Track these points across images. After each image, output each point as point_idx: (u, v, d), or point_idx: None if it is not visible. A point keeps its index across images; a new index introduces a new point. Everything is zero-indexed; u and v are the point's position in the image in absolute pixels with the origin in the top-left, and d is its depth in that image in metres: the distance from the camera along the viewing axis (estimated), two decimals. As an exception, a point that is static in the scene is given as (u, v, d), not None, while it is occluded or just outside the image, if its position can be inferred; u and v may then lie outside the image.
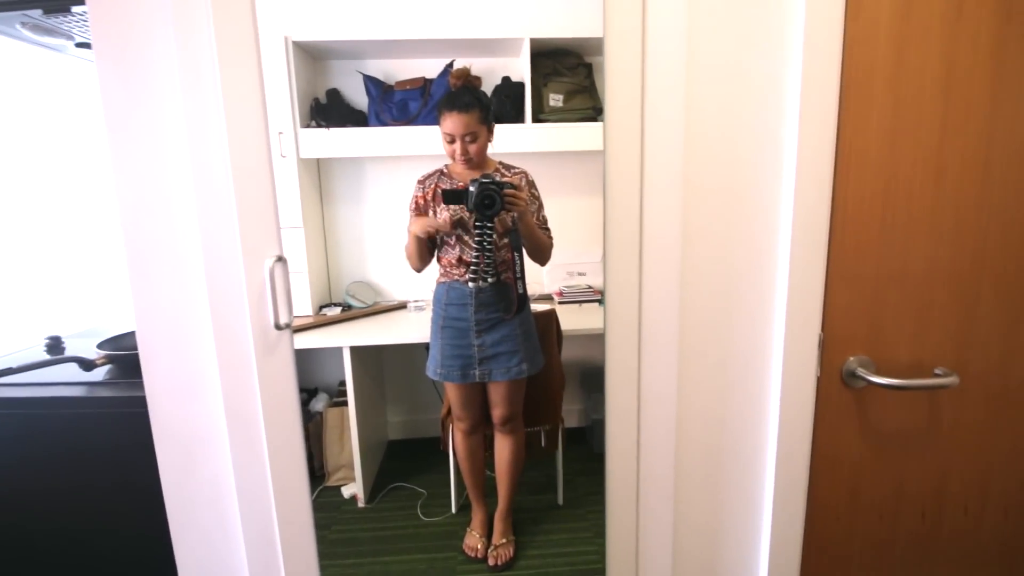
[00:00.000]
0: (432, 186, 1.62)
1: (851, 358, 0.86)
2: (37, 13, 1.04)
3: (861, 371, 0.84)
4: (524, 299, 1.63)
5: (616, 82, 0.78)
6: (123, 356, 1.11)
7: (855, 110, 0.81)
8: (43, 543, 1.05)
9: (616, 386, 0.85)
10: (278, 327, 0.79)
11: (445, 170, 1.64)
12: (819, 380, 0.85)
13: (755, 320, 0.85)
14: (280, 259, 0.79)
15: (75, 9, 1.03)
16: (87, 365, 1.11)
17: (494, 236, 1.52)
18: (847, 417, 0.89)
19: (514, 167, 1.65)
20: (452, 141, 1.54)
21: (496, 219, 1.49)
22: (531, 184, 1.64)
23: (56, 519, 1.04)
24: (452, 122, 1.52)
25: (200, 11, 0.72)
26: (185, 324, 0.81)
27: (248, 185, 0.77)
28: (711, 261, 0.83)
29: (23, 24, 1.11)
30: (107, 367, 1.12)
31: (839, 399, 0.88)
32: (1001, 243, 0.85)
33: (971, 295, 0.86)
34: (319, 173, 2.35)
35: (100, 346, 1.15)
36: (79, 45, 1.24)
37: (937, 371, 0.86)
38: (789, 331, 0.82)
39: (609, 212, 0.81)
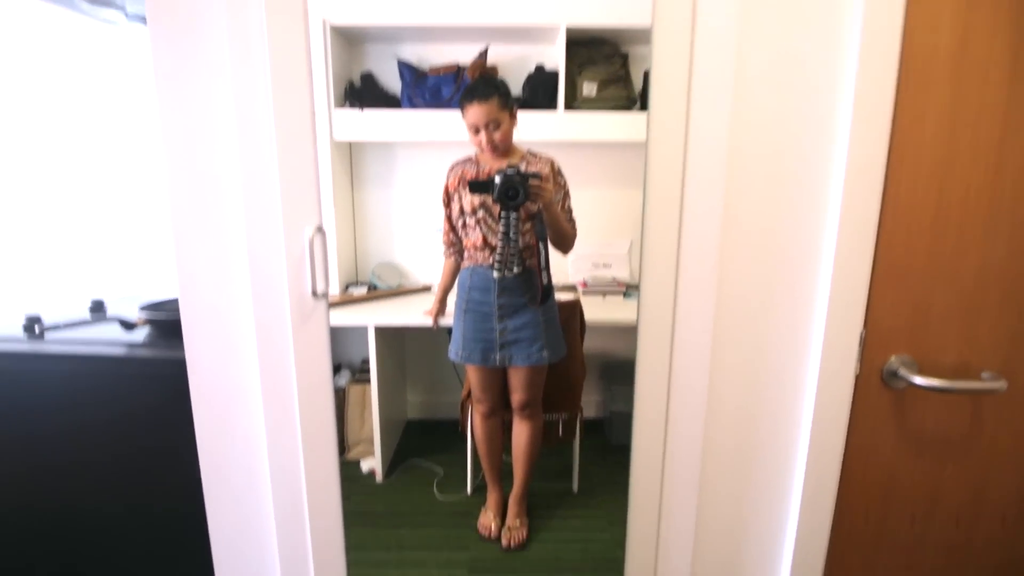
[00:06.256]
0: (460, 172, 1.64)
1: (893, 357, 0.83)
2: (97, -12, 1.07)
3: (903, 371, 0.82)
4: (549, 290, 1.63)
5: (662, 69, 0.76)
6: (162, 320, 1.14)
7: (912, 100, 0.78)
8: (81, 491, 1.10)
9: (647, 371, 0.84)
10: (315, 295, 0.81)
11: (474, 157, 1.65)
12: (858, 378, 0.83)
13: (795, 313, 0.83)
14: (319, 229, 0.80)
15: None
16: (128, 326, 1.15)
17: (519, 226, 1.52)
18: (884, 418, 0.86)
19: (541, 155, 1.64)
20: (477, 131, 1.55)
21: (521, 208, 1.50)
22: (557, 172, 1.63)
23: (94, 470, 1.08)
24: (473, 112, 1.53)
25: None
26: (225, 289, 0.83)
27: (291, 155, 0.78)
28: (752, 250, 0.81)
29: (82, -3, 1.14)
30: (147, 330, 1.16)
31: (878, 399, 0.85)
32: (1061, 246, 0.81)
33: (1025, 298, 0.83)
34: (351, 157, 2.38)
35: (142, 308, 1.19)
36: (131, 18, 1.27)
37: (984, 375, 0.83)
38: (830, 327, 0.80)
39: (649, 188, 0.80)
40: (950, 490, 0.89)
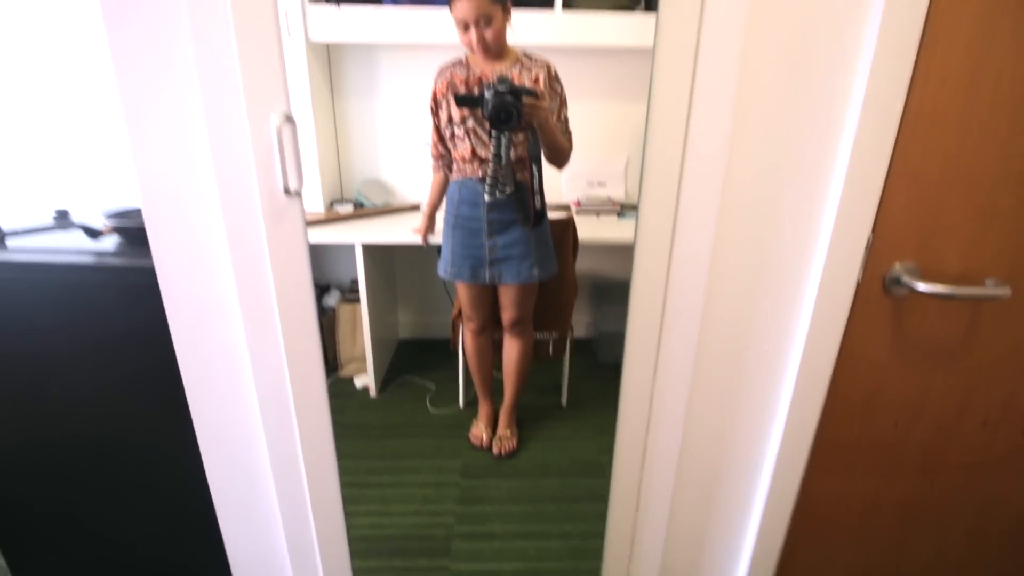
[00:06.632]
0: (449, 76, 1.50)
1: (897, 264, 0.81)
2: None
3: (906, 278, 0.79)
4: (542, 214, 1.56)
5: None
6: (130, 228, 1.08)
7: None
8: (53, 402, 1.09)
9: (643, 277, 0.81)
10: (288, 193, 0.74)
11: (464, 60, 1.51)
12: (859, 285, 0.81)
13: (802, 220, 0.78)
14: (288, 118, 0.73)
15: None
16: (93, 233, 1.09)
17: (511, 145, 1.42)
18: (881, 325, 0.85)
19: (537, 57, 1.50)
20: (466, 28, 1.39)
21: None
22: (554, 78, 1.50)
23: (64, 380, 1.07)
24: (463, 5, 1.36)
25: None
26: (191, 190, 0.76)
27: (249, 28, 0.68)
28: (762, 153, 0.75)
29: None
30: (115, 239, 1.10)
31: (877, 306, 0.83)
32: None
33: (1041, 205, 0.79)
34: (329, 62, 2.19)
35: (107, 216, 1.12)
36: None
37: (988, 282, 0.81)
38: (837, 233, 0.76)
39: (655, 93, 0.72)
40: (936, 396, 0.90)
